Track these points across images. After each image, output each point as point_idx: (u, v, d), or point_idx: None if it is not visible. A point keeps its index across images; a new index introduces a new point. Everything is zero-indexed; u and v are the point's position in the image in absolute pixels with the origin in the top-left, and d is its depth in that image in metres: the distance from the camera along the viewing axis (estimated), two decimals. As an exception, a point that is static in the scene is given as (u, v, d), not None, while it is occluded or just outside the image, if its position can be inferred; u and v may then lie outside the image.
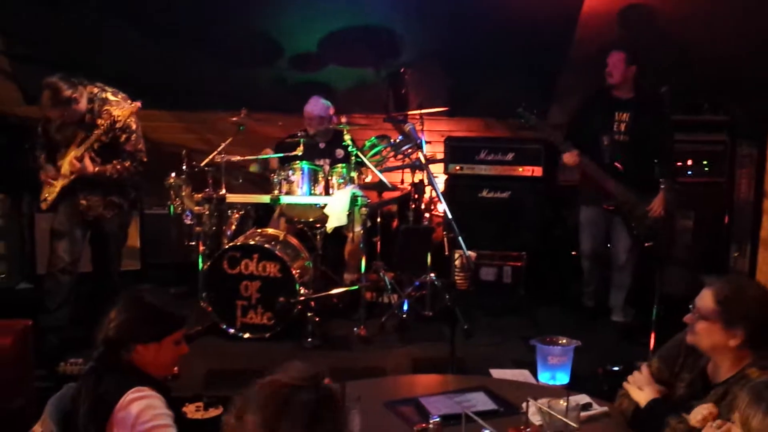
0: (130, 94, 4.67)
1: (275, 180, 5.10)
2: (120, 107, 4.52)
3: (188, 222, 5.00)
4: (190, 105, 6.13)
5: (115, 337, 2.42)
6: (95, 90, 4.58)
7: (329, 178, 5.17)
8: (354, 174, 5.15)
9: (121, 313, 2.44)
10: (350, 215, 4.97)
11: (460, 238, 4.77)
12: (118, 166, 4.57)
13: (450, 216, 4.81)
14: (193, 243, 5.02)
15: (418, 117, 5.88)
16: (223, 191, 4.99)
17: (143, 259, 5.89)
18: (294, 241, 5.17)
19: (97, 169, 4.53)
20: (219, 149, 5.06)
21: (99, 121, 4.48)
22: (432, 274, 5.23)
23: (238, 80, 5.95)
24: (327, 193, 5.10)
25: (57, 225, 4.66)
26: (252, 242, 4.91)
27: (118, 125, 4.50)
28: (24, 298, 5.50)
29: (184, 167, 4.95)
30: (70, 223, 4.63)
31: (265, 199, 5.06)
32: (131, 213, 5.00)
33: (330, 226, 4.95)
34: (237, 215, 5.28)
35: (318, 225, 5.14)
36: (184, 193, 4.95)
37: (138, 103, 4.56)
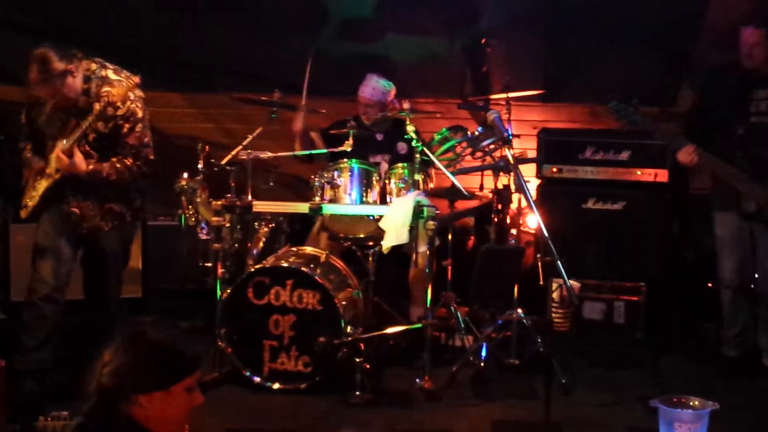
0: (135, 72, 4.73)
1: (316, 183, 5.13)
2: (123, 89, 4.56)
3: (203, 237, 5.06)
4: (207, 85, 6.22)
5: (111, 384, 2.43)
6: (93, 66, 4.64)
7: (387, 181, 5.19)
8: (419, 177, 5.15)
9: (118, 354, 2.46)
10: (413, 231, 4.97)
11: (558, 262, 4.69)
12: (118, 165, 4.61)
13: (546, 233, 4.75)
14: (210, 264, 5.07)
15: (503, 102, 5.87)
16: (249, 197, 5.02)
17: (146, 283, 5.96)
18: (339, 263, 5.19)
19: (91, 167, 4.57)
20: (244, 143, 5.10)
21: (96, 106, 4.53)
22: (520, 310, 5.19)
23: (271, 54, 6.02)
24: (383, 202, 5.12)
25: (40, 239, 4.73)
26: (285, 264, 4.94)
27: (119, 112, 4.57)
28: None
29: (199, 166, 5.01)
30: (56, 236, 4.69)
31: (303, 208, 5.08)
32: (135, 225, 5.05)
33: (386, 244, 4.96)
34: (266, 229, 5.35)
35: (371, 243, 5.16)
36: (199, 200, 5.02)
37: (137, 78, 4.58)
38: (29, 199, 4.75)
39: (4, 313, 5.90)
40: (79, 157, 4.54)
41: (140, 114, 4.65)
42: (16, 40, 4.86)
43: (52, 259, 4.68)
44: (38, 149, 4.75)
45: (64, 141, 4.56)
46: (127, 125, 4.61)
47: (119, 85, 4.56)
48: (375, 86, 5.64)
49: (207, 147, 5.09)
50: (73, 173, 4.56)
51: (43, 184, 4.69)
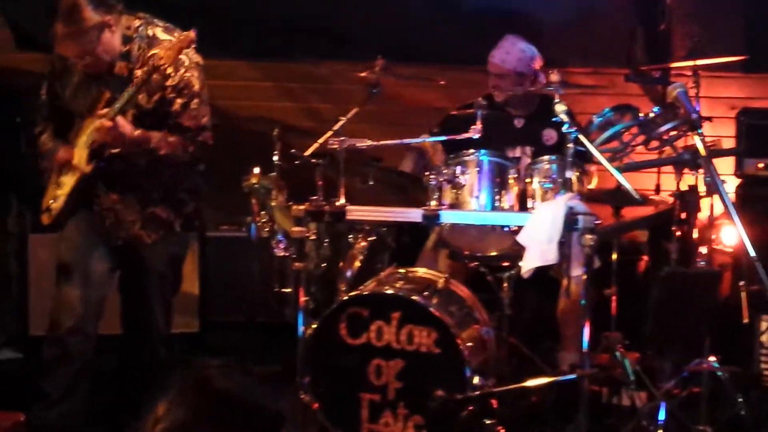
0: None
1: (432, 182, 5.10)
2: (168, 44, 4.62)
3: (280, 253, 5.11)
4: (285, 51, 6.27)
5: (165, 447, 2.46)
6: (136, 23, 4.73)
7: (528, 180, 5.17)
8: (572, 174, 5.07)
9: (175, 408, 2.46)
10: (564, 248, 4.91)
11: (770, 292, 4.59)
12: (171, 138, 4.68)
13: (751, 252, 4.62)
14: (289, 289, 5.13)
15: (689, 73, 5.80)
16: (342, 200, 5.03)
17: (205, 314, 6.04)
18: (463, 291, 5.20)
19: (138, 132, 4.62)
20: (335, 128, 5.12)
21: (138, 72, 4.60)
22: (713, 359, 5.09)
23: (370, 9, 6.05)
24: (523, 208, 5.11)
25: (65, 254, 4.84)
26: (390, 291, 4.96)
27: (169, 82, 4.59)
28: (9, 376, 5.73)
29: (275, 158, 5.07)
30: (86, 251, 4.80)
31: (414, 215, 5.07)
32: (187, 237, 5.14)
33: (527, 266, 4.93)
34: (364, 243, 5.39)
35: (506, 264, 5.20)
36: (274, 204, 5.08)
37: (191, 33, 4.59)
38: (52, 199, 4.85)
39: (20, 351, 6.04)
40: (124, 123, 4.57)
41: (197, 86, 4.70)
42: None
43: (80, 280, 4.78)
44: (61, 132, 4.84)
45: (100, 116, 4.60)
46: (179, 100, 4.67)
47: (170, 47, 4.59)
48: (511, 50, 5.65)
49: (285, 132, 5.12)
50: (117, 145, 4.58)
51: (69, 180, 4.78)
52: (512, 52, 5.65)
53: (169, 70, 4.58)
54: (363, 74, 5.23)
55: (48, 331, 4.84)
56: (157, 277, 4.88)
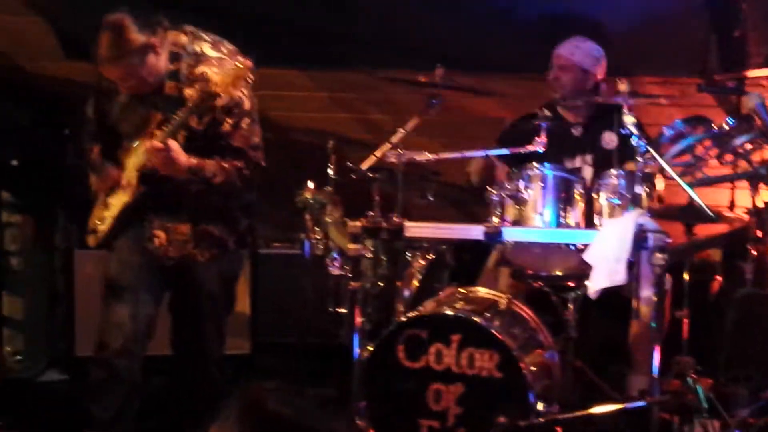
0: (241, 42, 4.82)
1: (494, 197, 5.15)
2: (223, 69, 4.63)
3: (335, 272, 5.11)
4: (342, 60, 6.27)
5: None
6: (183, 39, 4.74)
7: (594, 195, 5.15)
8: (641, 189, 5.08)
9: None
10: (633, 267, 4.89)
11: None
12: (225, 164, 4.69)
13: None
14: (344, 310, 5.15)
15: (767, 83, 5.81)
16: (400, 217, 5.04)
17: (256, 335, 6.04)
18: (526, 312, 5.18)
19: (194, 161, 4.63)
20: (393, 140, 5.12)
21: (187, 92, 4.63)
22: (794, 386, 5.03)
23: (430, 14, 6.04)
24: (590, 225, 5.12)
25: (114, 273, 4.85)
26: (450, 312, 4.95)
27: (219, 102, 4.59)
28: (54, 398, 5.78)
29: (330, 172, 5.09)
30: (135, 270, 4.80)
31: (476, 232, 5.06)
32: (241, 255, 5.14)
33: (594, 286, 4.92)
34: (423, 261, 5.38)
35: (571, 284, 5.20)
36: (329, 220, 5.09)
37: (248, 62, 4.61)
38: (99, 220, 4.90)
39: (67, 372, 6.07)
40: (177, 148, 4.58)
41: (247, 105, 4.73)
42: (88, 5, 4.97)
43: (129, 299, 4.80)
44: (109, 153, 4.87)
45: (151, 139, 4.62)
46: (229, 120, 4.69)
47: (219, 65, 4.63)
48: (580, 45, 5.68)
49: (340, 145, 5.12)
50: (169, 171, 4.61)
51: (118, 202, 4.81)
52: (581, 47, 5.68)
53: (219, 91, 4.56)
54: (423, 79, 5.22)
55: (95, 351, 4.84)
56: (209, 297, 4.87)
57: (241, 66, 4.59)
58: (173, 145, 4.56)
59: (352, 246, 5.01)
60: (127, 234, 4.83)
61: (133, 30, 4.51)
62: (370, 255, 5.04)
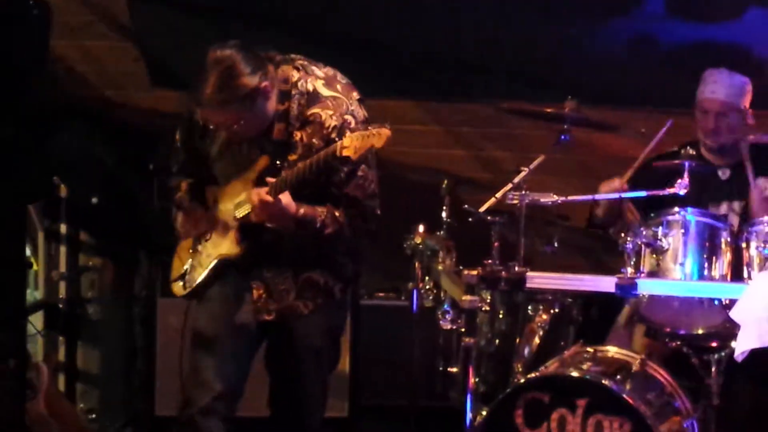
0: (354, 74, 4.72)
1: (628, 246, 5.10)
2: (339, 110, 4.56)
3: (446, 326, 5.15)
4: (461, 90, 6.24)
5: None
6: (294, 75, 4.62)
7: (742, 244, 5.08)
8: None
9: None
10: (787, 327, 4.67)
11: None
12: (337, 213, 4.57)
13: None
14: (456, 369, 5.14)
15: None
16: (522, 266, 4.99)
17: (356, 396, 6.02)
18: (663, 375, 5.15)
19: (302, 211, 4.54)
20: (516, 180, 5.08)
21: (297, 135, 4.58)
22: None
23: (559, 43, 6.06)
24: (737, 278, 5.07)
25: (203, 325, 4.80)
26: (575, 374, 4.95)
27: (337, 152, 4.40)
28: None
29: (443, 214, 5.10)
30: (227, 322, 4.75)
31: (607, 284, 5.03)
32: (347, 305, 5.06)
33: (742, 347, 4.82)
34: (546, 316, 5.39)
35: (715, 344, 5.14)
36: (441, 268, 5.12)
37: (386, 131, 4.42)
38: (187, 268, 4.84)
39: (144, 432, 6.10)
40: (289, 201, 4.48)
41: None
42: (178, 29, 5.03)
43: (218, 354, 4.74)
44: (197, 189, 4.84)
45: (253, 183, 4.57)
46: (344, 169, 4.58)
47: (335, 106, 4.56)
48: (731, 81, 5.57)
49: (455, 184, 5.07)
50: (276, 223, 4.55)
51: (213, 252, 4.79)
52: (734, 83, 5.57)
53: (333, 135, 4.50)
54: (550, 110, 5.20)
55: (179, 410, 4.80)
56: (313, 352, 4.76)
57: (378, 134, 4.41)
58: (285, 198, 4.45)
59: (466, 297, 4.98)
60: (220, 283, 4.78)
61: (245, 73, 4.42)
62: (486, 308, 5.04)
